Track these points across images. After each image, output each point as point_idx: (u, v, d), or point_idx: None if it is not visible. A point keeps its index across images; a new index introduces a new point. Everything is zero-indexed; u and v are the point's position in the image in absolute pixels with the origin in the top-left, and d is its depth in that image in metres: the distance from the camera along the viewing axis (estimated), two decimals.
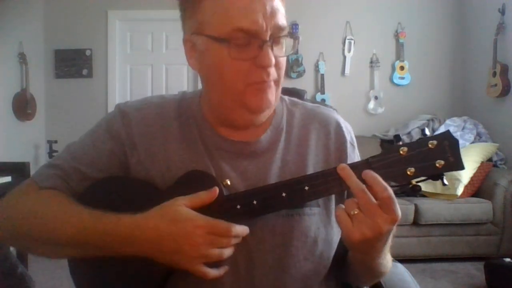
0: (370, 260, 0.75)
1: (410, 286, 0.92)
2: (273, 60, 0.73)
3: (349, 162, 0.84)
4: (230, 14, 0.71)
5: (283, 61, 0.77)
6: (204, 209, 0.71)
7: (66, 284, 0.83)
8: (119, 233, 0.70)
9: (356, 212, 0.66)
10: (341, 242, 0.84)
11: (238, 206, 0.72)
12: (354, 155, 0.87)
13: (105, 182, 0.80)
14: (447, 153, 0.69)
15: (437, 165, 0.68)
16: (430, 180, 0.71)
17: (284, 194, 0.71)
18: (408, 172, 0.69)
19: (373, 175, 0.67)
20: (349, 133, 0.89)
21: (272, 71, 0.74)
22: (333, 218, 0.81)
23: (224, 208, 0.72)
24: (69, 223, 0.73)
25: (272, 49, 0.72)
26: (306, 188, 0.71)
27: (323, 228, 0.80)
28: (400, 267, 0.99)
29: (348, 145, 0.86)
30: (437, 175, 0.70)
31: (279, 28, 0.74)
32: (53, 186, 0.79)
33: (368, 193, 0.66)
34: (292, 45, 0.79)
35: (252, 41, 0.72)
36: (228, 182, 0.77)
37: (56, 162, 0.82)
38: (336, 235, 0.82)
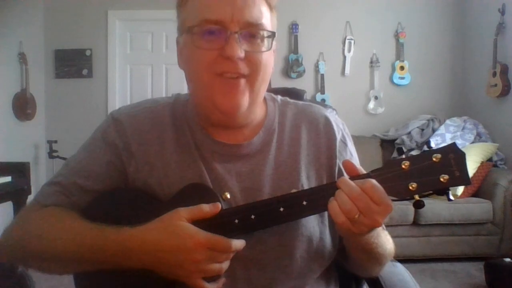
0: (365, 243, 0.74)
1: (410, 286, 0.92)
2: (240, 53, 0.71)
3: (339, 160, 0.84)
4: (201, 6, 0.73)
5: (257, 57, 0.74)
6: (202, 222, 0.70)
7: (66, 284, 0.83)
8: (119, 246, 0.70)
9: (357, 216, 0.65)
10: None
11: (236, 221, 0.71)
12: (346, 153, 0.86)
13: (106, 196, 0.80)
14: (452, 167, 0.65)
15: (441, 179, 0.65)
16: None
17: (282, 209, 0.70)
18: (410, 187, 0.66)
19: (345, 181, 0.67)
20: (340, 130, 0.88)
21: (242, 65, 0.73)
22: (327, 217, 0.81)
23: (222, 222, 0.71)
24: (71, 240, 0.73)
25: (240, 42, 0.71)
26: (305, 203, 0.70)
27: (317, 226, 0.80)
28: (400, 267, 0.98)
29: (338, 142, 0.85)
30: (441, 190, 0.67)
31: (249, 23, 0.72)
32: (56, 203, 0.80)
33: (365, 195, 0.65)
34: (269, 43, 0.76)
35: (219, 32, 0.72)
36: (228, 196, 0.77)
37: (56, 180, 0.83)
38: (330, 233, 0.82)
